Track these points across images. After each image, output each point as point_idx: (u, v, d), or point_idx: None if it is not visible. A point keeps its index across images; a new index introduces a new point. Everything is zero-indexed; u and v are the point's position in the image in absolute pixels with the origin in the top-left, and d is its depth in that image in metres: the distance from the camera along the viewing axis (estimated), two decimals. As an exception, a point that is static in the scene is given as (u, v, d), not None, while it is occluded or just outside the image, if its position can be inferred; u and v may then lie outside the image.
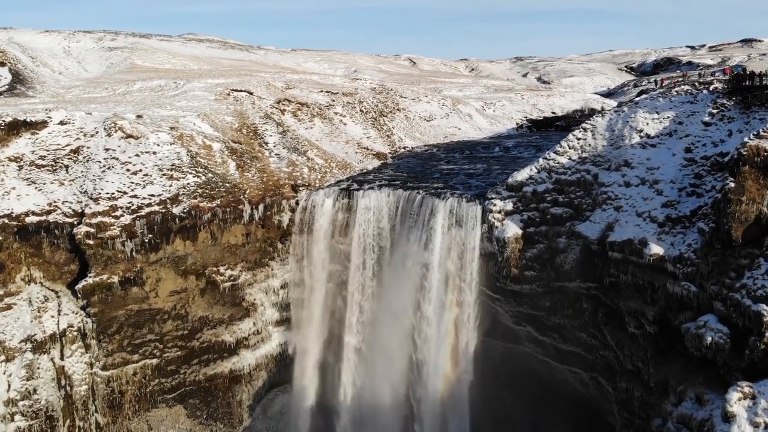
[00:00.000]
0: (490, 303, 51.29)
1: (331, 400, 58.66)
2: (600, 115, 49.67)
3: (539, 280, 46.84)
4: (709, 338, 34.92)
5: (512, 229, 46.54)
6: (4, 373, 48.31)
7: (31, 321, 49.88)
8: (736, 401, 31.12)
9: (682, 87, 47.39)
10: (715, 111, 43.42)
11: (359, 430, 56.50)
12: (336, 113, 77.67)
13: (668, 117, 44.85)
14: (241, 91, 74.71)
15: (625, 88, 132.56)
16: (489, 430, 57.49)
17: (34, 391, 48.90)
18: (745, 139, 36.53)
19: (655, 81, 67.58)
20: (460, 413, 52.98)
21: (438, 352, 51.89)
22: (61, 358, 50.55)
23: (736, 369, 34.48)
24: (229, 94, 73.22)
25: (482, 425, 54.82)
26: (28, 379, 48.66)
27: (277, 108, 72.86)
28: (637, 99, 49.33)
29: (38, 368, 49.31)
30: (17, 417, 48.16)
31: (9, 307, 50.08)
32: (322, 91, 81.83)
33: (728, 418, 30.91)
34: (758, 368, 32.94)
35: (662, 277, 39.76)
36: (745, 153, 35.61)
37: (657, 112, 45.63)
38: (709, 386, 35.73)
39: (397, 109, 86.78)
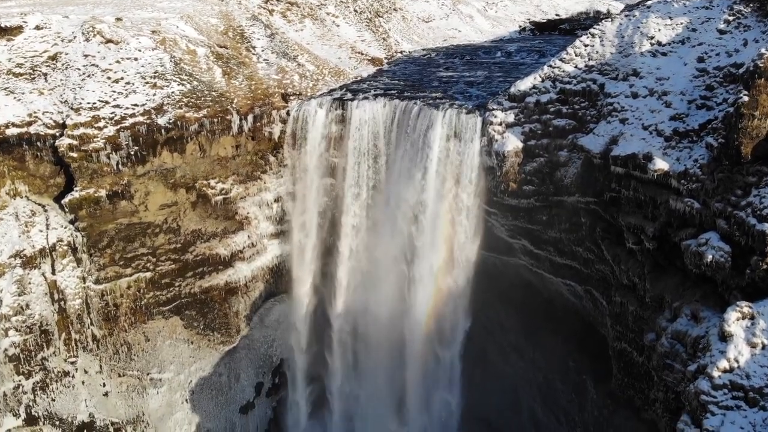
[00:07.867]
0: (485, 216, 50.59)
1: (327, 308, 59.31)
2: (609, 19, 46.75)
3: (537, 195, 45.72)
4: (710, 256, 34.25)
5: (513, 143, 44.87)
6: (-5, 289, 48.01)
7: (19, 236, 48.91)
8: (735, 321, 30.73)
9: (698, -11, 44.29)
10: (731, 18, 40.63)
11: (354, 333, 57.68)
12: (328, 13, 73.49)
13: (681, 23, 42.14)
14: (226, -11, 70.09)
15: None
16: (482, 338, 58.79)
17: (27, 306, 48.72)
18: (762, 50, 34.29)
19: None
20: (455, 320, 53.80)
21: (433, 261, 51.83)
22: (53, 273, 50.04)
23: (735, 287, 34.09)
24: (213, -7, 68.76)
25: (475, 333, 55.78)
26: (19, 295, 48.33)
27: (264, 8, 68.66)
28: (649, 2, 46.21)
29: (30, 283, 48.90)
30: (11, 332, 48.25)
31: (-5, 221, 49.07)
32: (312, -11, 77.05)
33: (725, 337, 30.64)
34: (759, 287, 32.46)
35: (665, 193, 38.60)
36: (761, 65, 33.53)
37: (670, 18, 42.83)
38: (705, 303, 35.48)
39: (394, 9, 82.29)
